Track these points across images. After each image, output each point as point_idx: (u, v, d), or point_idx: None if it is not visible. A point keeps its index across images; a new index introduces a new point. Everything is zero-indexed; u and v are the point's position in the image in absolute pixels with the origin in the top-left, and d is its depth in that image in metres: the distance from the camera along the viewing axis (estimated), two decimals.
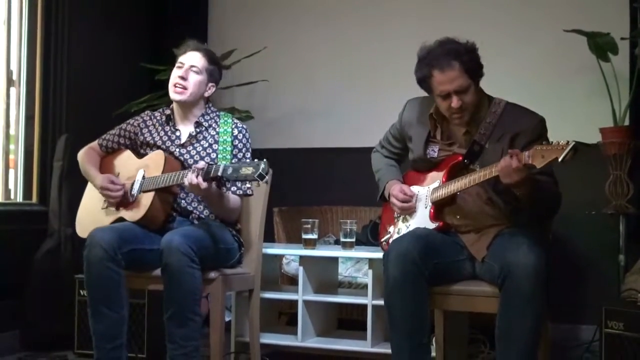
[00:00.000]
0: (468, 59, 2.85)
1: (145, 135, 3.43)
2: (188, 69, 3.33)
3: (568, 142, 2.50)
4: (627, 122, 4.10)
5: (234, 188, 3.29)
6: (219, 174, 2.95)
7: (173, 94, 3.35)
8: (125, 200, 3.29)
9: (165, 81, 3.43)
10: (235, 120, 3.42)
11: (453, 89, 2.83)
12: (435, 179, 3.01)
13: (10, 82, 4.41)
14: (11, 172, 4.45)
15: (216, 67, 3.42)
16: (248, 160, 3.24)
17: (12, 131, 4.44)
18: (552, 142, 2.56)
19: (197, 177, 2.99)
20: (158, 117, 3.47)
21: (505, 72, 4.20)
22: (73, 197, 4.03)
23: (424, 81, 2.91)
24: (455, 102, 2.84)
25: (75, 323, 3.87)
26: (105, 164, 3.48)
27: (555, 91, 4.49)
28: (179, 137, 3.38)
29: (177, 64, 3.38)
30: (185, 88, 3.32)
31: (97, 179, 3.34)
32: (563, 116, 4.26)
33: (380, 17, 4.97)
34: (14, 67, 4.44)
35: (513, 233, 2.83)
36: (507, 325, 2.66)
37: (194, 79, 3.33)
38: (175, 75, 3.35)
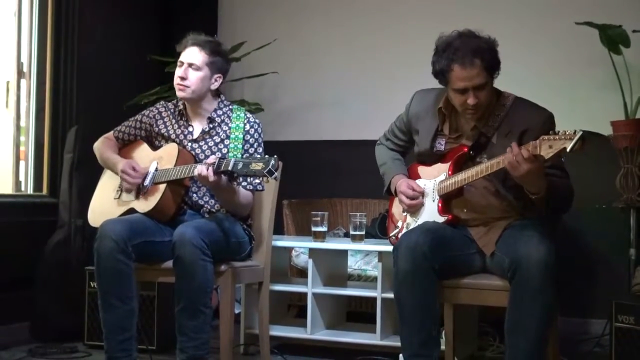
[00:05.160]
0: (489, 57, 2.82)
1: (160, 127, 3.43)
2: (187, 68, 3.29)
3: (575, 131, 2.48)
4: (638, 115, 4.07)
5: (244, 183, 3.27)
6: (229, 168, 2.96)
7: (177, 92, 3.34)
8: (137, 191, 3.30)
9: (174, 73, 3.42)
10: (248, 115, 3.40)
11: (472, 86, 2.80)
12: (441, 171, 2.99)
13: (20, 74, 4.41)
14: (22, 163, 4.44)
15: (219, 58, 3.35)
16: (259, 156, 3.24)
17: (22, 123, 4.44)
18: (559, 132, 2.53)
19: (207, 170, 3.00)
20: (172, 109, 3.46)
21: (516, 63, 4.06)
22: (83, 188, 4.05)
23: (441, 74, 2.87)
24: (471, 99, 2.81)
25: (86, 315, 3.88)
26: (121, 155, 3.46)
27: (567, 83, 4.46)
28: (191, 133, 3.38)
29: (178, 62, 3.35)
30: (186, 86, 3.30)
31: (120, 163, 3.32)
32: (574, 108, 4.26)
33: (392, 9, 4.95)
34: (24, 59, 4.43)
35: (523, 226, 2.82)
36: (516, 318, 2.66)
37: (194, 77, 3.29)
38: (176, 74, 3.33)
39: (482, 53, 2.80)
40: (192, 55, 3.30)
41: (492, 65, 2.82)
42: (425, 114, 3.06)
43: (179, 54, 3.38)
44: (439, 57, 2.86)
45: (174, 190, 3.25)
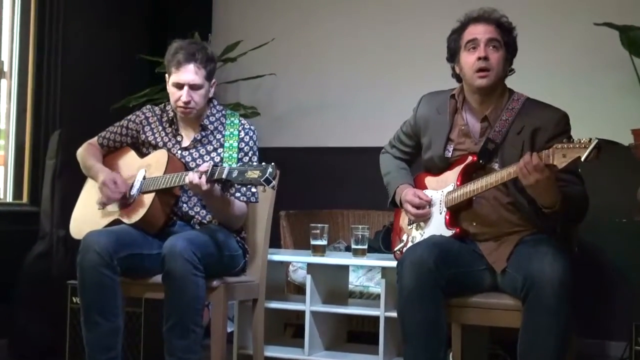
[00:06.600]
0: (506, 29, 2.90)
1: (147, 134, 3.37)
2: (189, 91, 3.20)
3: (591, 139, 2.45)
4: None
5: (237, 194, 3.22)
6: (224, 176, 2.91)
7: (181, 114, 3.28)
8: (123, 202, 3.23)
9: (165, 74, 3.37)
10: (243, 122, 3.35)
11: (484, 38, 2.84)
12: (449, 181, 2.93)
13: (1, 74, 4.39)
14: (0, 169, 4.42)
15: (212, 64, 3.29)
16: (255, 164, 3.19)
17: (2, 126, 4.42)
18: (573, 140, 2.51)
19: (199, 177, 2.95)
20: (159, 114, 3.39)
21: (532, 65, 4.13)
22: (66, 197, 3.99)
23: (454, 40, 2.92)
24: (482, 52, 2.83)
25: (67, 332, 3.78)
26: (106, 162, 3.40)
27: (585, 87, 4.44)
28: (179, 142, 3.33)
29: (173, 81, 3.23)
30: (192, 108, 3.23)
31: (103, 173, 3.25)
32: (593, 115, 4.24)
33: (398, 5, 4.92)
34: (5, 57, 4.40)
35: (537, 241, 2.76)
36: (530, 340, 2.59)
37: (197, 97, 3.22)
38: (176, 96, 3.21)
39: (499, 19, 2.90)
40: (191, 75, 3.20)
41: (507, 37, 2.89)
42: (436, 116, 3.01)
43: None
44: (453, 30, 2.95)
45: (163, 200, 3.18)
